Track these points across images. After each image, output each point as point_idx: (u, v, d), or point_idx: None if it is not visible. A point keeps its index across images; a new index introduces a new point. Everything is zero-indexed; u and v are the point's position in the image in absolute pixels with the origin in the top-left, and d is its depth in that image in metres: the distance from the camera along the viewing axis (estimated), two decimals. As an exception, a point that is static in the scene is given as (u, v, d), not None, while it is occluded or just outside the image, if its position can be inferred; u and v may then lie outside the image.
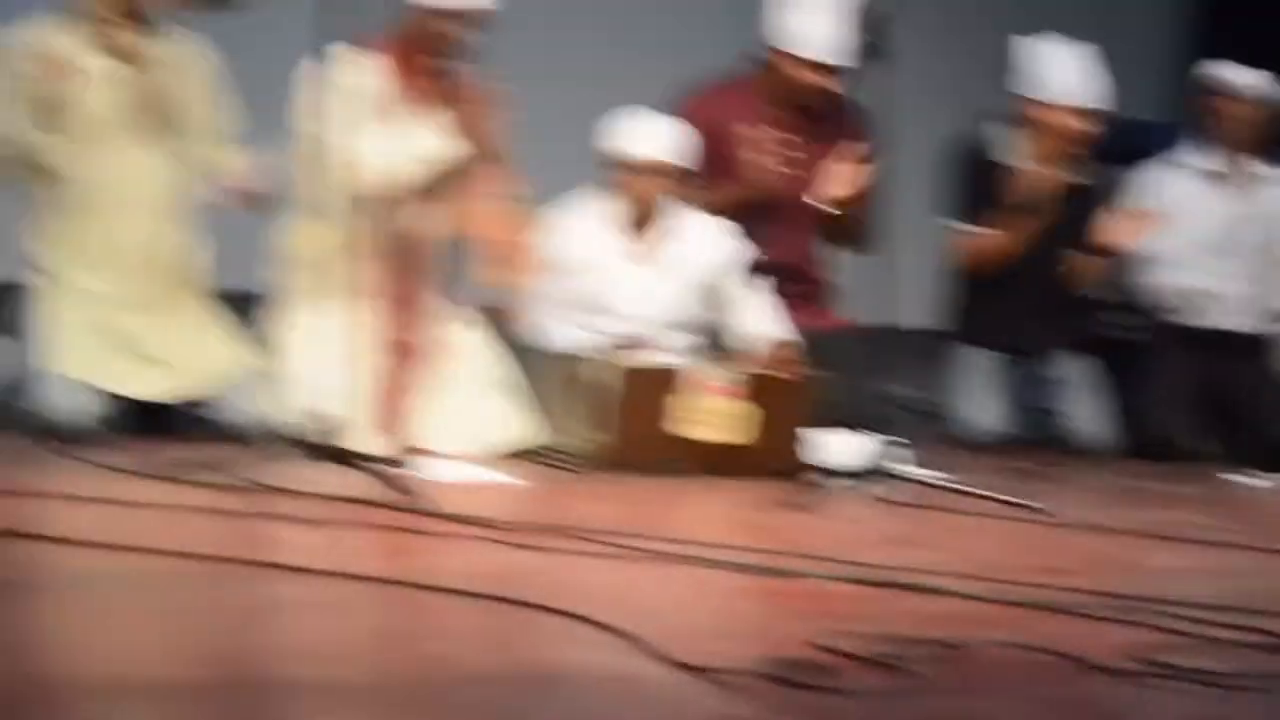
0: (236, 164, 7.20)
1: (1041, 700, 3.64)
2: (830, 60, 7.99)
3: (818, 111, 8.04)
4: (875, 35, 7.63)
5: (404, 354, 7.14)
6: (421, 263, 7.34)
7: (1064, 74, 8.66)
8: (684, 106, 7.91)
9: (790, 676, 3.44)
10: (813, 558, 5.24)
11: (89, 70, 7.18)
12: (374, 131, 7.22)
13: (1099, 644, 3.92)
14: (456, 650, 4.17)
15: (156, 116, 7.13)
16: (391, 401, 7.00)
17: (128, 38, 7.18)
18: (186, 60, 7.32)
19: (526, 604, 4.21)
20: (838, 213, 8.07)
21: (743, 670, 3.51)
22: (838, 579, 4.92)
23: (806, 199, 8.03)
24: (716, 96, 8.13)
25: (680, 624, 4.38)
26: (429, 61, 7.37)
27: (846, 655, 3.74)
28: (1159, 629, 4.18)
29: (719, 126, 7.89)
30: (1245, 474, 7.86)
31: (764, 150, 8.10)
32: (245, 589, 4.63)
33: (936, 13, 11.07)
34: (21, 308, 7.20)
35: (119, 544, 4.95)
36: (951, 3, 11.91)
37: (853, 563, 5.13)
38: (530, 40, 8.74)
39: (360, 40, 7.16)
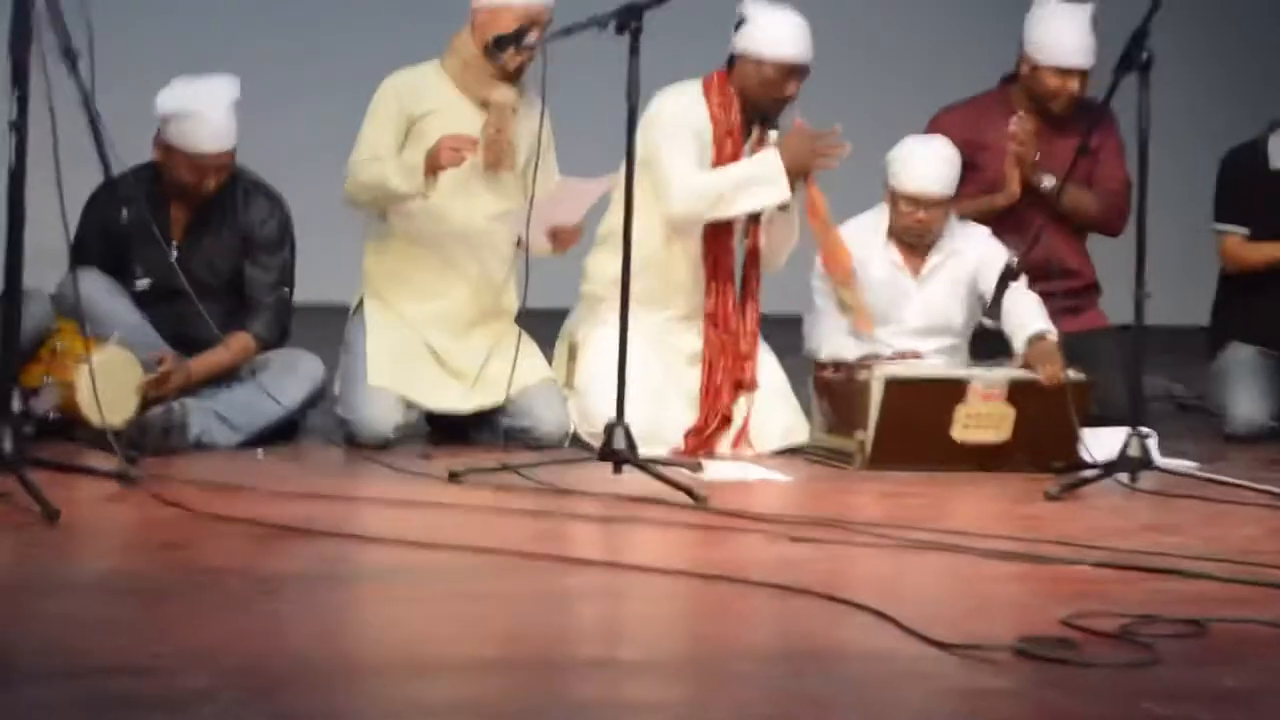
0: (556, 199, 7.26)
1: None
2: (1075, 64, 7.89)
3: (1066, 116, 7.94)
4: (1134, 45, 7.51)
5: (711, 366, 7.29)
6: (731, 281, 7.40)
7: None
8: (939, 121, 8.00)
9: (1040, 652, 3.66)
10: (1071, 545, 5.36)
11: (460, 118, 7.33)
12: (704, 165, 7.28)
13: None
14: (734, 631, 4.49)
15: (504, 156, 7.29)
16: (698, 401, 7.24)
17: (498, 90, 7.30)
18: (526, 107, 7.45)
19: (800, 591, 4.42)
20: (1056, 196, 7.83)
21: (997, 647, 3.77)
22: (1093, 564, 5.07)
23: (1033, 181, 7.89)
24: (970, 110, 8.15)
25: (941, 607, 4.63)
26: (754, 104, 7.37)
27: (1095, 633, 3.98)
28: None
29: (974, 136, 7.85)
30: None
31: (1023, 143, 7.89)
32: (536, 579, 4.94)
33: (1223, 19, 11.07)
34: (347, 326, 7.42)
35: (423, 541, 5.34)
36: (1236, 10, 11.89)
37: (1109, 549, 5.24)
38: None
39: (703, 81, 7.33)
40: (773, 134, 7.53)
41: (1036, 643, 3.80)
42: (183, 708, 3.47)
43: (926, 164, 7.46)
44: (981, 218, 7.88)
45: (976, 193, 7.94)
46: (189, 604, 4.55)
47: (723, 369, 7.32)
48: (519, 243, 7.26)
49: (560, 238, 7.19)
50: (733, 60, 7.40)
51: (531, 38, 7.20)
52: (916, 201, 7.35)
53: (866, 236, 7.54)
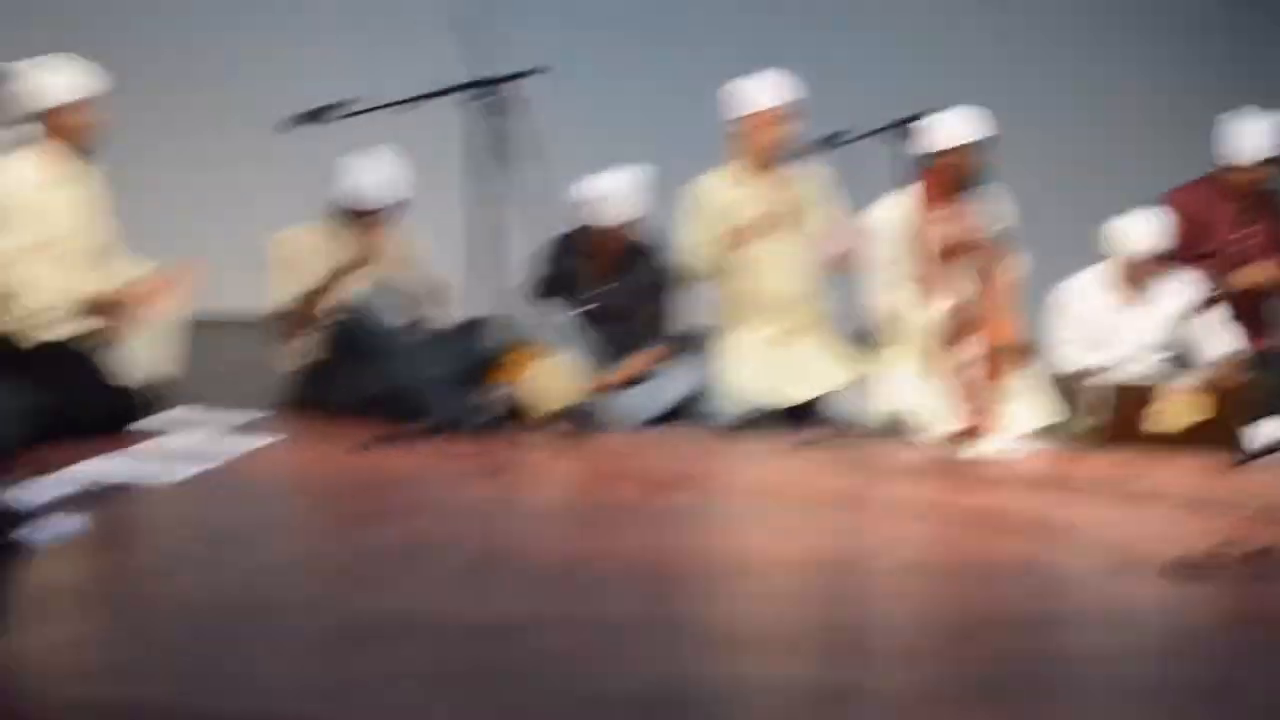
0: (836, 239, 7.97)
1: None
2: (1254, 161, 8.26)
3: (1257, 200, 8.37)
4: None
5: (976, 368, 7.80)
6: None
7: None
8: (1171, 198, 8.39)
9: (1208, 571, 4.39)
10: (1248, 499, 6.00)
11: (755, 206, 8.14)
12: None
13: None
14: (997, 547, 5.26)
15: (793, 219, 8.11)
16: (963, 398, 7.71)
17: (771, 175, 8.15)
18: (807, 179, 8.20)
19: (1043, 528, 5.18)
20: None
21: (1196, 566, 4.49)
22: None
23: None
24: (1195, 191, 8.51)
25: (1153, 547, 5.07)
26: (952, 189, 7.92)
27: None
28: None
29: (1198, 213, 8.33)
30: None
31: (1242, 245, 8.43)
32: (842, 514, 5.75)
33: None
34: (707, 344, 8.16)
35: (769, 489, 6.29)
36: None
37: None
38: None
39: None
40: None
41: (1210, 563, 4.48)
42: (599, 585, 4.45)
43: (1151, 226, 8.04)
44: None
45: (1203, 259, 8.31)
46: (611, 520, 5.54)
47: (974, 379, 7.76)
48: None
49: (835, 263, 7.94)
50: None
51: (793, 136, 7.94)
52: (1140, 260, 7.99)
53: (1095, 282, 8.21)
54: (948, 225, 7.97)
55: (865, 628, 4.07)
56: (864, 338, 8.14)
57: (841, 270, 8.11)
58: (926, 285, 7.93)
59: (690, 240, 8.19)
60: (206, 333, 7.70)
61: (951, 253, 7.96)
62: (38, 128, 6.79)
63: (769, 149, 8.11)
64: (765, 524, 5.55)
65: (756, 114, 8.12)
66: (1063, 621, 4.19)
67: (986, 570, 4.83)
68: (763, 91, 8.12)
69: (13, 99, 6.75)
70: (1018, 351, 7.95)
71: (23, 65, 6.77)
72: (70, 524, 4.28)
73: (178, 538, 4.86)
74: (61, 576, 3.99)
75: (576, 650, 3.68)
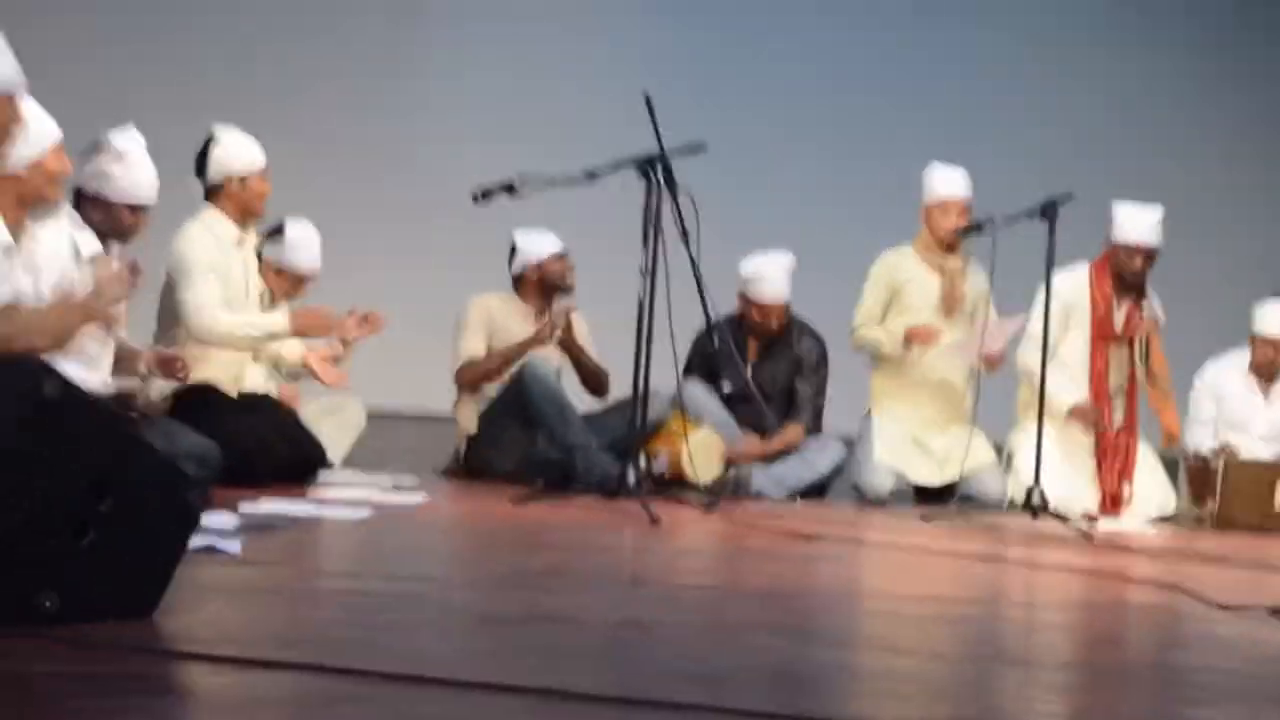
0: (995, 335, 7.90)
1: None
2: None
3: None
4: None
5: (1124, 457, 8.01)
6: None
7: None
8: None
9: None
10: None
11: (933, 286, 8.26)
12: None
13: None
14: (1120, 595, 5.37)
15: (957, 306, 8.25)
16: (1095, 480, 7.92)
17: (945, 261, 8.25)
18: (978, 273, 8.26)
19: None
20: None
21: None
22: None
23: None
24: None
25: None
26: (1124, 281, 8.04)
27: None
28: None
29: None
30: None
31: None
32: (964, 565, 5.80)
33: None
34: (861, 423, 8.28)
35: (898, 546, 6.41)
36: None
37: None
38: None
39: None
40: None
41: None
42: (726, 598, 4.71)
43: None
44: None
45: None
46: (748, 559, 5.63)
47: (1110, 461, 7.99)
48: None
49: (990, 361, 7.85)
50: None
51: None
52: (1274, 346, 8.10)
53: (1230, 370, 8.31)
54: (1119, 311, 8.10)
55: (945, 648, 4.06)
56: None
57: (994, 368, 8.12)
58: (1094, 366, 8.09)
59: (867, 311, 8.33)
60: (378, 422, 7.95)
61: (1119, 337, 8.06)
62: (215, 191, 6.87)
63: (952, 234, 8.18)
64: (897, 568, 5.63)
65: (947, 202, 8.23)
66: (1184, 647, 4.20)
67: (1114, 610, 4.90)
68: (954, 182, 8.26)
69: (208, 161, 6.84)
70: (1172, 435, 8.10)
71: (219, 129, 6.89)
72: (233, 544, 4.33)
73: (350, 561, 4.96)
74: (221, 578, 4.06)
75: (703, 636, 3.82)
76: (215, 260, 6.67)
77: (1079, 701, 3.42)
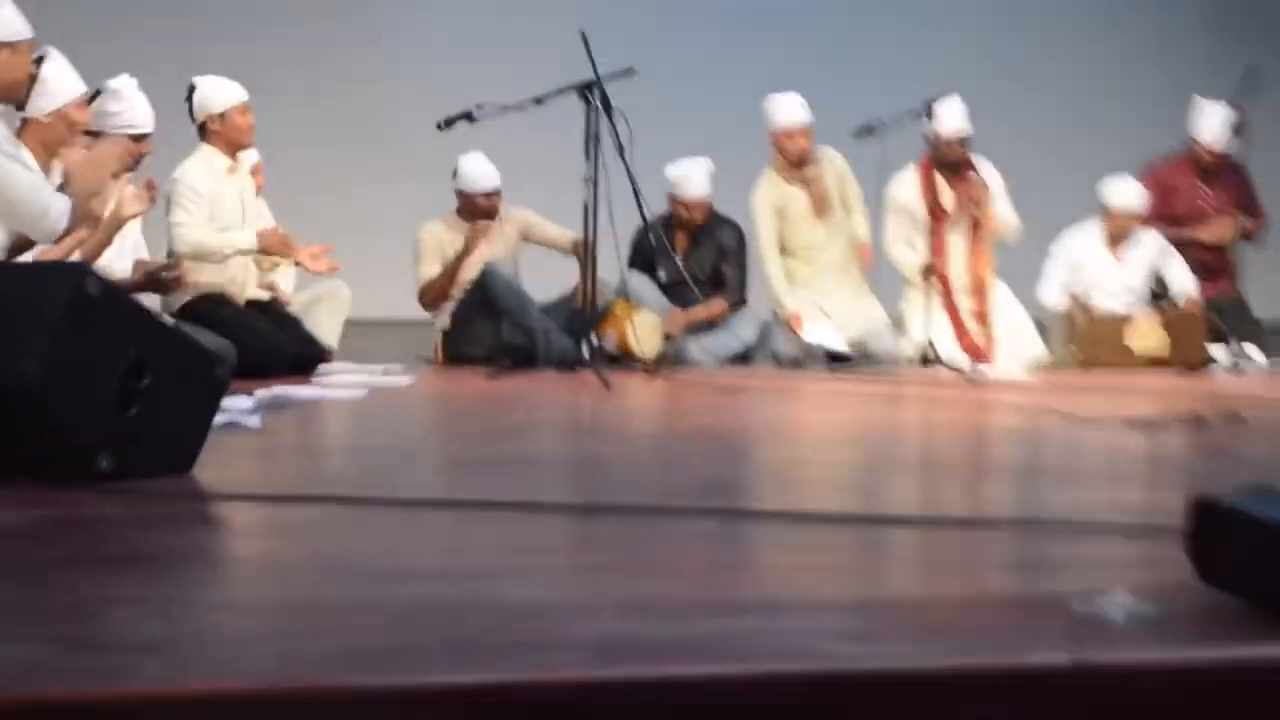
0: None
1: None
2: (1216, 145, 8.44)
3: (1218, 175, 8.55)
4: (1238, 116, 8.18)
5: (980, 313, 8.11)
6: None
7: None
8: (1147, 169, 8.62)
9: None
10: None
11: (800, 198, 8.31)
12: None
13: None
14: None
15: (826, 207, 8.27)
16: (970, 334, 8.02)
17: (804, 174, 8.28)
18: (830, 164, 8.30)
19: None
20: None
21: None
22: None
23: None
24: (1166, 165, 8.70)
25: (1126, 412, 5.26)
26: (947, 166, 8.18)
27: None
28: None
29: (1169, 183, 8.55)
30: None
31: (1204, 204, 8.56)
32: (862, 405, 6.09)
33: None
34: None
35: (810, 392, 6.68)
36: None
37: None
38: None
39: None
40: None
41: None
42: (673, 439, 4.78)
43: (1131, 191, 8.25)
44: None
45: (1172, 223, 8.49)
46: (683, 415, 5.61)
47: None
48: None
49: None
50: None
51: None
52: (1121, 217, 8.23)
53: (1086, 238, 8.35)
54: (951, 193, 8.18)
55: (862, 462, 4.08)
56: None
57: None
58: (936, 242, 8.08)
59: (763, 230, 8.33)
60: (365, 326, 8.07)
61: (953, 216, 8.11)
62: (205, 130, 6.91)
63: (802, 155, 8.28)
64: (810, 409, 5.67)
65: (792, 128, 8.28)
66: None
67: (995, 428, 4.97)
68: (797, 110, 8.30)
69: (193, 107, 6.90)
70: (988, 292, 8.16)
71: (196, 79, 6.93)
72: (253, 420, 4.38)
73: (350, 429, 4.97)
74: (245, 444, 4.10)
75: (651, 462, 3.88)
76: (210, 186, 6.78)
77: (963, 493, 3.45)
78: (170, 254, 6.73)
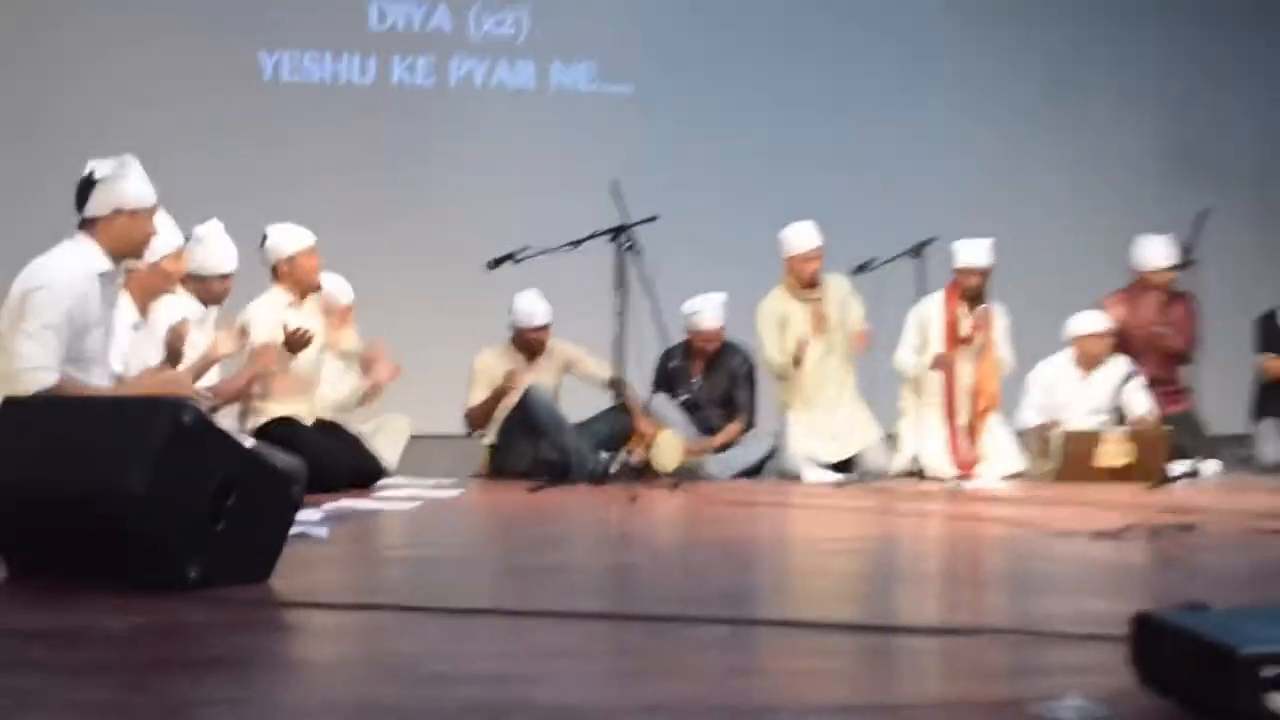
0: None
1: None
2: (1167, 266, 8.26)
3: (1168, 302, 8.36)
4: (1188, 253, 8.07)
5: (974, 427, 7.93)
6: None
7: None
8: (1105, 301, 8.45)
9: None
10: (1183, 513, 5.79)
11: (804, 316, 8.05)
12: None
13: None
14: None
15: (823, 325, 8.01)
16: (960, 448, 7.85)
17: (809, 294, 8.10)
18: (836, 289, 8.08)
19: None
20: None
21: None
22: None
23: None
24: (1121, 295, 8.53)
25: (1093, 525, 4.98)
26: (967, 295, 8.01)
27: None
28: None
29: (1125, 311, 8.36)
30: None
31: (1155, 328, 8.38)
32: (868, 516, 5.87)
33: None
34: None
35: (818, 506, 6.45)
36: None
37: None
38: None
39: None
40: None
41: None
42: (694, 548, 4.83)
43: (1093, 318, 8.12)
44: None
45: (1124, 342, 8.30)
46: (703, 525, 5.62)
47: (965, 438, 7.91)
48: None
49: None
50: None
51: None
52: (1087, 341, 8.08)
53: (1058, 365, 8.20)
54: (964, 321, 8.06)
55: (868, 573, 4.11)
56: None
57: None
58: (946, 364, 7.98)
59: (764, 328, 8.14)
60: (422, 441, 7.90)
61: (965, 341, 8.04)
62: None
63: (812, 277, 8.12)
64: (813, 522, 5.61)
65: (807, 253, 8.12)
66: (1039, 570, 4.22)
67: (977, 539, 4.93)
68: (809, 237, 8.13)
69: (266, 250, 6.86)
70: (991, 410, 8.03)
71: (269, 227, 6.89)
72: (321, 530, 4.41)
73: (406, 539, 4.99)
74: (314, 554, 4.11)
75: (672, 571, 3.86)
76: (271, 322, 6.65)
77: (951, 599, 3.51)
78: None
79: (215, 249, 6.11)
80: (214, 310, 6.20)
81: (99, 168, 4.52)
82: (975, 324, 8.14)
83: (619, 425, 7.29)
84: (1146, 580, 3.83)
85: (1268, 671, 1.89)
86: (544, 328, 7.95)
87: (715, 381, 8.19)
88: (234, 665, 2.45)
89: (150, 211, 4.62)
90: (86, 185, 4.51)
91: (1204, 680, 1.95)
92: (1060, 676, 2.29)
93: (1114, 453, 7.64)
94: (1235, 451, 8.87)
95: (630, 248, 6.93)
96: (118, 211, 4.50)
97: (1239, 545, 4.55)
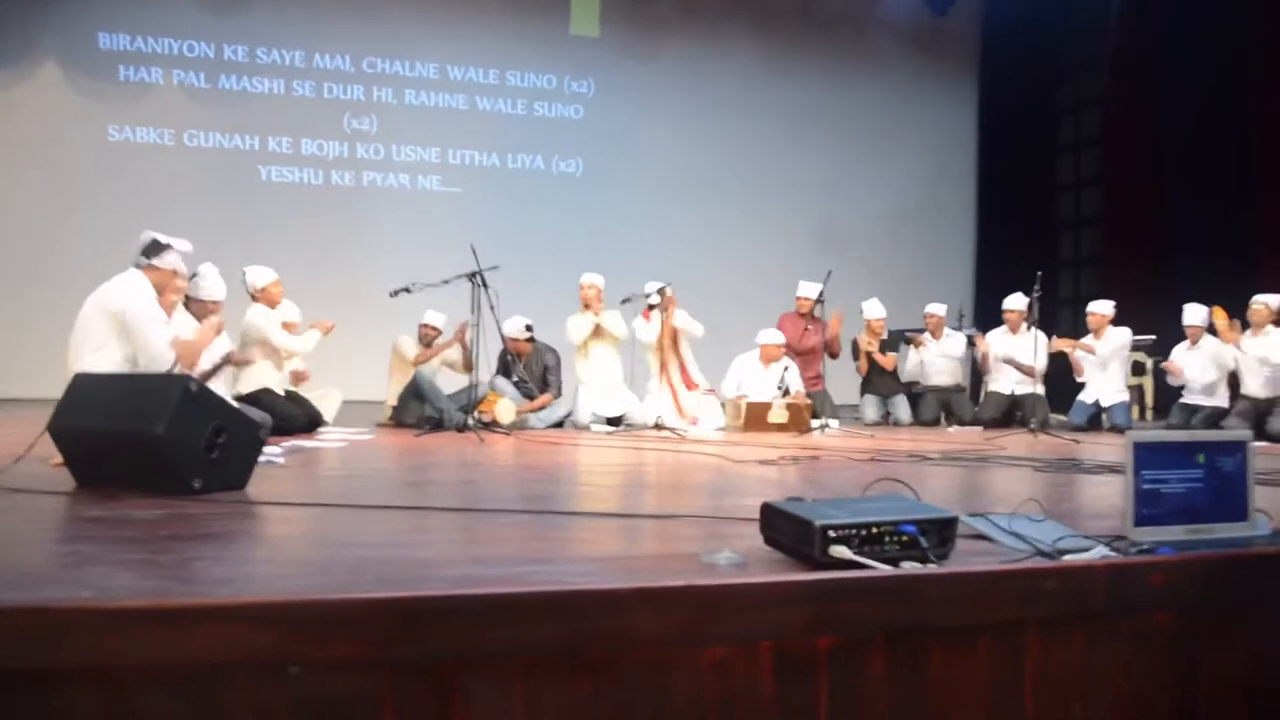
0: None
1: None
2: (811, 297, 8.09)
3: (811, 320, 8.32)
4: (821, 293, 8.20)
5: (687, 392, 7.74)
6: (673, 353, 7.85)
7: None
8: (779, 321, 8.39)
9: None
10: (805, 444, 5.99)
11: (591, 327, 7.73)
12: None
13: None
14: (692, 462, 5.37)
15: (602, 334, 7.78)
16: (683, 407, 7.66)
17: (589, 312, 7.73)
18: (610, 312, 7.69)
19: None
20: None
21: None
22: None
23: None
24: (787, 317, 8.44)
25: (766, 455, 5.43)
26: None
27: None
28: None
29: (787, 327, 8.32)
30: None
31: (805, 337, 8.29)
32: (623, 451, 5.81)
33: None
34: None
35: (598, 447, 6.25)
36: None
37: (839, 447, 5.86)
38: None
39: None
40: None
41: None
42: (516, 470, 4.69)
43: (773, 333, 7.90)
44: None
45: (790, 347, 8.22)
46: (525, 456, 5.32)
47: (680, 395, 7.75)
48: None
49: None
50: None
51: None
52: (770, 347, 7.91)
53: (750, 360, 8.00)
54: (670, 323, 7.92)
55: (617, 483, 4.04)
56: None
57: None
58: (663, 354, 7.84)
59: (573, 333, 7.94)
60: (348, 405, 7.64)
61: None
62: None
63: (589, 302, 7.94)
64: (596, 454, 5.46)
65: (583, 289, 7.96)
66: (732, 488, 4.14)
67: (688, 464, 4.80)
68: (590, 279, 7.98)
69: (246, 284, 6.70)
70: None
71: (246, 267, 6.74)
72: (280, 459, 4.36)
73: (335, 464, 4.87)
74: (275, 473, 4.04)
75: (501, 487, 3.74)
76: (263, 322, 6.55)
77: (670, 498, 3.50)
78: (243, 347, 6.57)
79: (212, 283, 5.91)
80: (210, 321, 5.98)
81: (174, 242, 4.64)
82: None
83: (474, 395, 7.12)
84: (786, 486, 3.81)
85: (832, 534, 2.06)
86: (435, 327, 7.84)
87: (534, 368, 8.03)
88: (221, 538, 2.44)
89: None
90: (157, 246, 4.59)
91: (799, 539, 2.11)
92: (722, 541, 2.37)
93: (778, 414, 7.63)
94: (849, 414, 9.07)
95: (483, 284, 6.77)
96: (175, 273, 4.64)
97: (843, 466, 4.61)
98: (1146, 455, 2.42)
